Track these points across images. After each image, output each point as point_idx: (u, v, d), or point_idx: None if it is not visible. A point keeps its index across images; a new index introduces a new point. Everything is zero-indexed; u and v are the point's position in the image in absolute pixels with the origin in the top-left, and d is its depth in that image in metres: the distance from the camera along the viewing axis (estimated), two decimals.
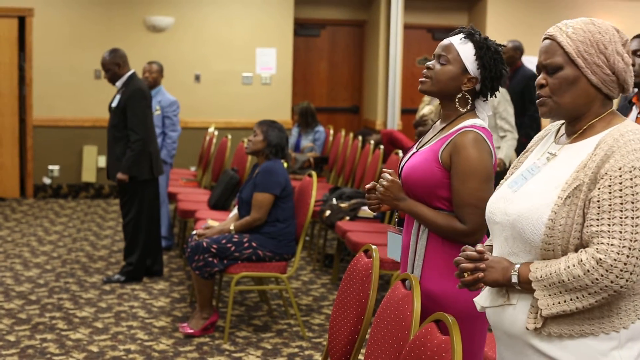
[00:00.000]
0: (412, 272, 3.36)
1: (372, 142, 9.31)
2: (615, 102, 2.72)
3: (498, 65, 3.35)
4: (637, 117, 4.67)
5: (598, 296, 2.36)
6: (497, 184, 2.88)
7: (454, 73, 3.33)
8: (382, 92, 13.20)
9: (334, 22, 13.85)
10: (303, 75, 13.73)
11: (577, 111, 2.55)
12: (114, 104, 7.58)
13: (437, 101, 7.60)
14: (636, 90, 4.69)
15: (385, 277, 7.11)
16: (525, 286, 2.47)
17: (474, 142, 3.23)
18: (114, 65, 7.58)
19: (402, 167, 3.46)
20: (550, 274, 2.40)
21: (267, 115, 10.59)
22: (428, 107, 7.88)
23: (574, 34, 2.50)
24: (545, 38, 2.57)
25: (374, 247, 3.67)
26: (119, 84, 7.62)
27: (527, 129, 8.74)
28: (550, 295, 2.41)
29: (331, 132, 11.57)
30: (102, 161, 12.22)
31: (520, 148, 8.56)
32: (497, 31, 12.87)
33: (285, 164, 6.47)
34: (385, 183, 3.39)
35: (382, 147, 8.75)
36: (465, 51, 3.33)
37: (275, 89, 12.92)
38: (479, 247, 2.58)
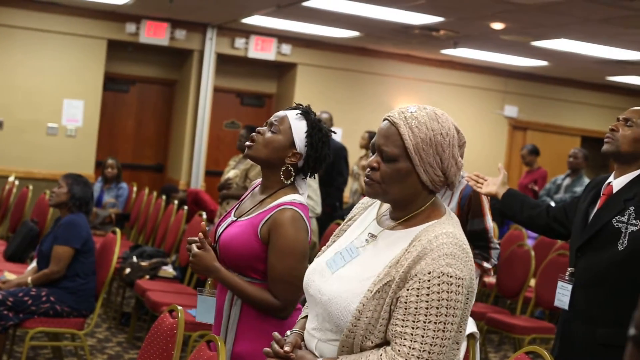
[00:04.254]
0: (226, 337, 3.39)
1: (175, 201, 9.33)
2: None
3: (324, 148, 3.43)
4: (458, 201, 4.90)
5: None
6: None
7: (282, 144, 3.39)
8: (188, 152, 13.26)
9: (144, 79, 13.85)
10: (109, 129, 13.60)
11: (403, 201, 2.58)
12: None
13: (243, 165, 7.80)
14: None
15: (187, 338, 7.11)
16: None
17: (292, 221, 3.28)
18: None
19: (220, 235, 3.47)
20: None
21: (70, 167, 10.46)
22: (233, 171, 7.99)
23: (417, 129, 2.50)
24: (387, 120, 2.57)
25: (179, 307, 3.72)
26: None
27: (333, 200, 9.00)
28: None
29: (134, 189, 11.51)
30: None
31: (325, 218, 8.80)
32: (304, 100, 13.12)
33: None
34: (195, 251, 3.39)
35: (186, 207, 8.79)
36: (298, 127, 3.40)
37: (80, 142, 12.73)
38: (287, 347, 2.62)
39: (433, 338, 2.38)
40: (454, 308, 2.41)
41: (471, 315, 6.13)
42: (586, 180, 9.70)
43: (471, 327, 3.93)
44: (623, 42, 11.04)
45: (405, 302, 2.41)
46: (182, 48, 13.26)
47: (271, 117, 3.47)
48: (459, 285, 2.42)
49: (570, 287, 3.88)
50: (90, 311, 6.16)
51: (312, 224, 8.14)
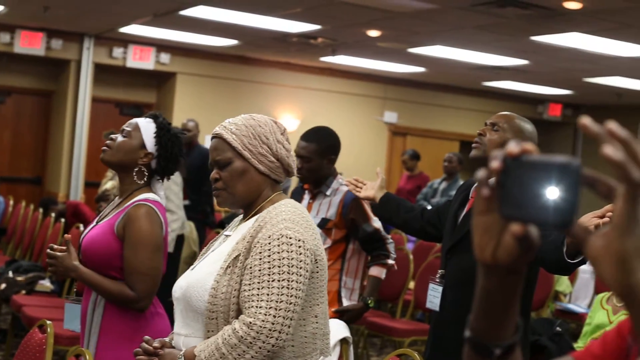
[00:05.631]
0: (89, 340, 3.43)
1: (53, 214, 9.16)
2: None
3: (174, 148, 3.61)
4: (308, 203, 4.95)
5: (257, 359, 2.51)
6: None
7: (133, 146, 3.53)
8: (67, 164, 13.03)
9: (20, 90, 13.56)
10: None
11: (250, 198, 2.77)
12: None
13: None
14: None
15: (60, 352, 6.98)
16: None
17: (146, 215, 3.41)
18: None
19: (82, 240, 3.55)
20: (213, 352, 2.53)
21: None
22: (111, 182, 7.89)
23: (237, 130, 2.75)
24: (214, 137, 2.81)
25: (48, 322, 3.65)
26: None
27: (204, 205, 8.96)
28: None
29: (11, 202, 11.25)
30: None
31: (198, 225, 8.75)
32: (184, 109, 13.18)
33: None
34: (53, 254, 3.45)
35: (63, 220, 8.63)
36: (147, 129, 3.56)
37: None
38: (155, 343, 2.68)
39: (278, 295, 2.51)
40: (297, 267, 2.55)
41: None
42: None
43: (343, 331, 3.98)
44: (497, 48, 11.32)
45: (251, 268, 2.56)
46: (59, 58, 13.03)
47: (124, 125, 3.64)
48: (299, 246, 2.58)
49: (440, 288, 3.95)
50: None
51: (192, 234, 8.10)
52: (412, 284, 7.96)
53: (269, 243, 2.57)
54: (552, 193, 1.02)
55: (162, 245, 3.48)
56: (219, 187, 2.77)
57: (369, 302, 4.96)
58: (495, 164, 1.07)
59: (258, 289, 2.52)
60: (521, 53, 11.64)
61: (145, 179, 3.56)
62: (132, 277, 3.37)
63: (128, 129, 3.57)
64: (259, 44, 12.62)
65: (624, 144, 1.00)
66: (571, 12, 8.58)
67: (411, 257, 7.82)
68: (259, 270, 2.54)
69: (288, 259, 2.55)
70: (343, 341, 3.96)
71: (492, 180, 1.09)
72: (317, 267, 2.65)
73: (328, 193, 4.90)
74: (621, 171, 0.99)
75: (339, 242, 4.86)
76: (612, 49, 10.60)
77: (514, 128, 3.80)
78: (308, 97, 14.69)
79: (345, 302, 4.87)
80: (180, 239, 7.48)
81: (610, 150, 0.99)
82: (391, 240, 4.98)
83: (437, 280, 3.99)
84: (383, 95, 15.61)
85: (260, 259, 2.55)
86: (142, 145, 3.54)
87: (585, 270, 9.03)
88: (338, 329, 3.93)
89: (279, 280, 2.52)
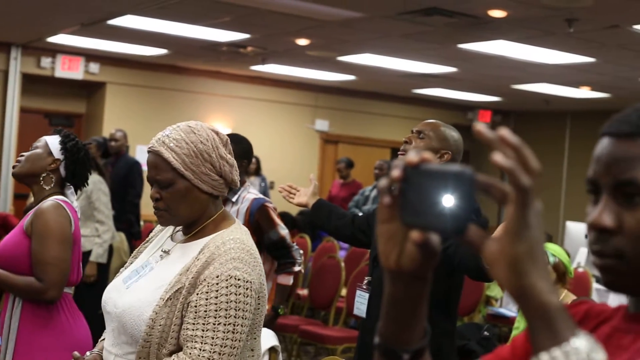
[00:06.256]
0: (6, 350, 3.45)
1: None
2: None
3: (80, 152, 3.77)
4: (246, 218, 4.95)
5: None
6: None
7: (40, 154, 3.72)
8: None
9: None
10: None
11: (193, 217, 2.68)
12: None
13: None
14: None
15: None
16: None
17: (52, 208, 3.54)
18: None
19: None
20: None
21: None
22: None
23: (178, 148, 2.60)
24: (151, 152, 2.65)
25: None
26: None
27: (128, 214, 8.91)
28: None
29: None
30: None
31: (126, 234, 8.70)
32: (114, 119, 13.06)
33: None
34: None
35: None
36: (52, 139, 3.78)
37: None
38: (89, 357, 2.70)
39: (223, 339, 2.45)
40: (244, 310, 2.50)
41: (284, 328, 6.22)
42: None
43: (272, 340, 3.98)
44: (425, 56, 11.43)
45: (195, 306, 2.49)
46: None
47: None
48: (247, 288, 2.52)
49: (367, 295, 3.98)
50: None
51: (123, 245, 8.06)
52: (344, 291, 8.00)
53: (217, 284, 2.49)
54: (448, 201, 1.05)
55: (71, 239, 3.59)
56: (160, 207, 2.64)
57: (280, 310, 5.02)
58: (395, 172, 1.10)
59: (203, 330, 2.46)
60: (449, 61, 11.77)
61: (53, 184, 3.70)
62: (39, 267, 3.47)
63: (36, 144, 3.77)
64: (189, 53, 12.57)
65: (515, 151, 1.04)
66: (496, 20, 8.71)
67: (343, 264, 7.86)
68: (205, 311, 2.47)
69: (235, 302, 2.49)
70: (272, 350, 3.96)
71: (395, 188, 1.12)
72: (259, 304, 2.61)
73: (234, 199, 4.92)
74: (511, 177, 1.03)
75: None
76: (537, 56, 10.77)
77: (440, 136, 3.85)
78: (239, 105, 14.67)
79: None
80: (110, 250, 7.43)
81: (499, 157, 1.03)
82: (297, 247, 5.06)
83: (364, 287, 4.02)
84: (314, 103, 15.66)
85: (206, 299, 2.48)
86: (49, 153, 3.72)
87: None
88: (266, 338, 3.93)
89: (224, 324, 2.47)
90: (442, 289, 3.71)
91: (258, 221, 4.87)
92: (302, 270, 5.15)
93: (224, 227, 2.69)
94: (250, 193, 4.96)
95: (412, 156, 1.09)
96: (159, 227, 2.91)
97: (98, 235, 7.33)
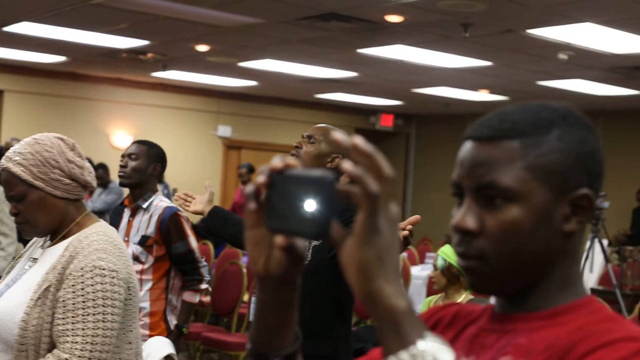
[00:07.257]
0: None
1: None
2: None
3: None
4: (128, 221, 4.90)
5: None
6: None
7: None
8: None
9: None
10: None
11: (54, 224, 2.68)
12: None
13: None
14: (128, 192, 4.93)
15: None
16: None
17: None
18: None
19: None
20: None
21: None
22: None
23: (24, 161, 2.62)
24: (1, 170, 2.65)
25: None
26: None
27: None
28: None
29: None
30: None
31: (24, 244, 8.52)
32: (12, 128, 12.81)
33: None
34: None
35: None
36: None
37: None
38: None
39: (94, 329, 2.46)
40: (112, 299, 2.51)
41: (187, 336, 6.19)
42: None
43: (167, 348, 3.96)
44: (325, 61, 11.50)
45: (64, 301, 2.49)
46: None
47: None
48: (113, 277, 2.53)
49: None
50: None
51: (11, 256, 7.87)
52: (247, 297, 7.99)
53: (82, 275, 2.50)
54: (310, 205, 1.07)
55: None
56: (19, 221, 2.67)
57: (184, 329, 4.93)
58: (261, 178, 1.11)
59: (73, 323, 2.46)
60: (349, 65, 11.86)
61: None
62: None
63: None
64: (88, 60, 12.42)
65: (367, 158, 1.06)
66: (393, 25, 8.81)
67: (245, 270, 7.84)
68: (73, 304, 2.48)
69: (102, 291, 2.50)
70: (167, 358, 3.94)
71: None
72: (130, 294, 2.62)
73: (145, 206, 4.85)
74: (360, 184, 1.05)
75: (162, 260, 4.82)
76: (436, 60, 10.93)
77: (330, 140, 3.88)
78: (141, 113, 14.54)
79: (172, 321, 4.85)
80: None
81: (348, 165, 1.05)
82: (205, 264, 4.94)
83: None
84: (217, 109, 15.62)
85: (73, 292, 2.49)
86: None
87: (418, 277, 9.28)
88: (162, 347, 3.90)
89: (94, 314, 2.47)
90: (335, 293, 3.74)
91: (169, 229, 4.80)
92: (210, 289, 5.03)
93: (87, 226, 2.70)
94: (162, 201, 4.89)
95: (277, 162, 1.11)
96: (31, 242, 2.89)
97: (2, 249, 7.16)
